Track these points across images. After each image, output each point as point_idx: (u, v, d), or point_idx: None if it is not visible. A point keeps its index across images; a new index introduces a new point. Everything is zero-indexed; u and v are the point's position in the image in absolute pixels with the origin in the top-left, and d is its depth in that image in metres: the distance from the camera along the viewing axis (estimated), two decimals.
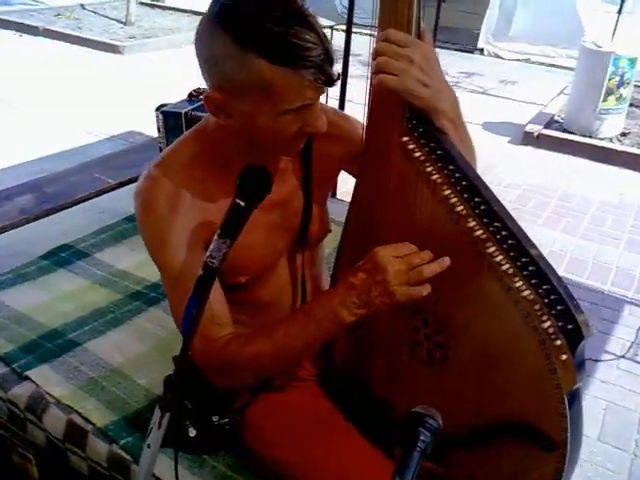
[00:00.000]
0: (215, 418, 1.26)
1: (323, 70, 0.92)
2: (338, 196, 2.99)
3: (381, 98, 1.00)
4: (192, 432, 1.27)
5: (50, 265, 1.99)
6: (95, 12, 8.58)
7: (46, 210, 2.16)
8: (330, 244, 1.44)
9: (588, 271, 3.07)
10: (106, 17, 8.32)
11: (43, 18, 7.98)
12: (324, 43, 0.92)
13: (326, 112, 1.22)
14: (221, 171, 1.08)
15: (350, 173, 1.27)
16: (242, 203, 0.95)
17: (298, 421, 1.24)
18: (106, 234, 2.19)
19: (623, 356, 2.48)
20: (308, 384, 1.32)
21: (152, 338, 1.65)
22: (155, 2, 9.21)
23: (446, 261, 0.97)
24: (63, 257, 2.04)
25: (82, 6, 8.76)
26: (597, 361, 2.43)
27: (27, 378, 1.52)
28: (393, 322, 1.06)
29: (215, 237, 0.95)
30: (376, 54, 0.95)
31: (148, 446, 1.05)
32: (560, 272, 2.79)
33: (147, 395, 1.48)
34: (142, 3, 8.97)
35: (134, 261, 2.02)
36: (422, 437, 0.85)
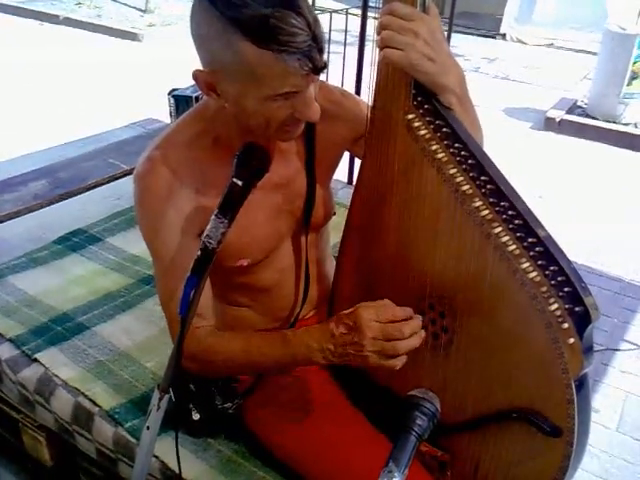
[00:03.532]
0: (218, 402, 1.26)
1: (309, 57, 0.88)
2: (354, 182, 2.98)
3: (386, 75, 0.98)
4: (196, 416, 1.28)
5: (63, 249, 2.01)
6: (115, 0, 8.60)
7: (59, 195, 2.16)
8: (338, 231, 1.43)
9: (610, 259, 3.00)
10: (125, 5, 8.33)
11: (64, 7, 8.02)
12: (312, 29, 0.88)
13: (330, 92, 1.20)
14: (221, 152, 1.07)
15: (355, 154, 1.24)
16: (239, 182, 0.94)
17: (301, 405, 1.23)
18: (118, 219, 2.20)
19: None
20: (314, 368, 1.31)
21: (161, 321, 1.62)
22: None
23: (422, 334, 0.95)
24: (76, 242, 2.05)
25: None
26: (617, 350, 2.38)
27: (36, 360, 1.53)
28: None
29: (212, 217, 0.94)
30: (380, 28, 0.91)
31: (147, 428, 1.06)
32: (581, 260, 2.74)
33: (154, 378, 1.48)
34: None
35: (145, 246, 2.01)
36: (418, 421, 0.84)
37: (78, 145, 3.80)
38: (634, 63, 4.41)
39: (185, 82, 2.58)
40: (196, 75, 0.98)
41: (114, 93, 5.18)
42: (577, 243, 3.04)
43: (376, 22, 0.94)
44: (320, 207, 1.21)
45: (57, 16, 7.51)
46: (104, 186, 2.38)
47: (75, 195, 2.21)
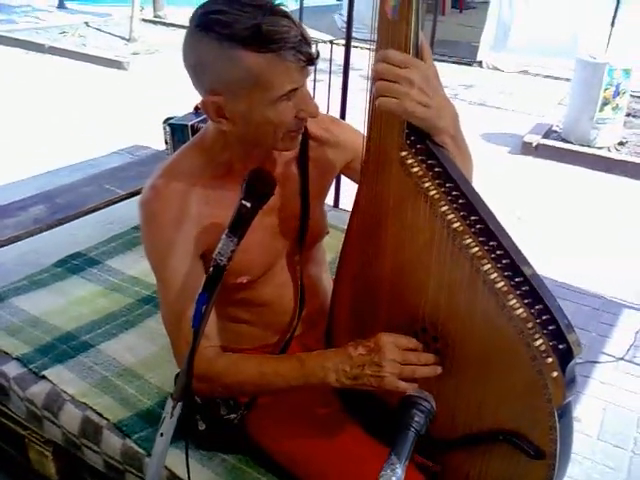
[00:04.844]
0: (224, 412, 1.32)
1: (302, 50, 0.98)
2: (341, 206, 3.07)
3: (380, 114, 1.01)
4: (202, 426, 1.34)
5: (63, 272, 2.07)
6: (99, 29, 8.74)
7: (58, 220, 2.22)
8: (334, 250, 1.51)
9: (588, 277, 3.12)
10: (110, 34, 8.47)
11: (49, 36, 8.12)
12: (298, 27, 0.99)
13: (322, 120, 1.27)
14: (220, 177, 1.15)
15: (348, 177, 1.32)
16: (248, 204, 1.02)
17: (301, 416, 1.29)
18: (116, 242, 2.26)
19: (622, 358, 2.51)
20: None
21: (163, 339, 1.69)
22: (157, 19, 9.37)
23: (438, 370, 1.03)
24: (75, 264, 2.11)
25: (86, 24, 8.94)
26: (596, 363, 2.48)
27: (44, 377, 1.58)
28: (394, 328, 1.08)
29: (223, 237, 1.01)
30: (376, 76, 0.95)
31: (161, 435, 1.12)
32: (561, 278, 2.83)
33: (159, 392, 1.54)
34: (144, 20, 9.12)
35: (144, 268, 2.08)
36: (416, 418, 0.91)
37: (67, 172, 3.88)
38: (605, 90, 4.60)
39: (170, 108, 2.68)
40: (204, 103, 1.05)
41: (101, 120, 5.26)
42: (556, 262, 3.15)
43: (362, 52, 1.01)
44: (314, 227, 1.28)
45: (42, 45, 7.60)
46: (97, 212, 2.45)
47: (73, 219, 2.28)
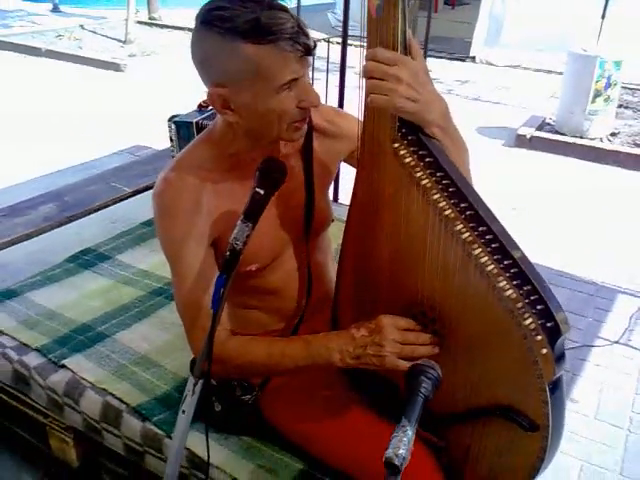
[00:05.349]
0: (239, 393, 1.38)
1: (299, 40, 1.04)
2: (340, 200, 3.14)
3: (373, 109, 1.05)
4: (218, 407, 1.40)
5: (75, 267, 2.13)
6: (95, 32, 8.78)
7: (68, 217, 2.29)
8: (337, 239, 1.57)
9: (583, 264, 3.19)
10: (105, 37, 8.52)
11: (45, 39, 8.17)
12: (295, 18, 1.05)
13: (326, 111, 1.34)
14: (230, 168, 1.21)
15: (351, 165, 1.37)
16: (261, 191, 1.09)
17: (312, 395, 1.35)
18: (125, 238, 2.33)
19: (617, 341, 2.59)
20: None
21: (176, 328, 1.77)
22: (152, 21, 9.42)
23: (436, 349, 1.08)
24: (87, 260, 2.17)
25: (82, 27, 8.98)
26: (592, 346, 2.55)
27: (63, 366, 1.65)
28: (393, 312, 1.13)
29: (238, 222, 1.08)
30: (365, 74, 0.99)
31: (183, 412, 1.19)
32: (556, 266, 2.91)
33: (174, 378, 1.61)
34: (140, 22, 9.17)
35: (154, 261, 2.15)
36: (424, 384, 0.97)
37: (71, 172, 3.94)
38: (596, 82, 4.68)
39: (170, 109, 2.73)
40: (211, 95, 1.11)
41: (100, 122, 5.31)
42: (551, 250, 3.23)
43: (356, 50, 1.05)
44: (319, 216, 1.34)
45: (39, 48, 7.65)
46: (100, 212, 2.52)
47: (82, 217, 2.34)
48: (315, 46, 1.09)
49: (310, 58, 1.10)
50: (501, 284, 0.96)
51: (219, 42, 1.05)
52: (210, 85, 1.11)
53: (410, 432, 0.91)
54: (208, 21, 1.06)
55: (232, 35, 1.03)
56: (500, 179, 4.29)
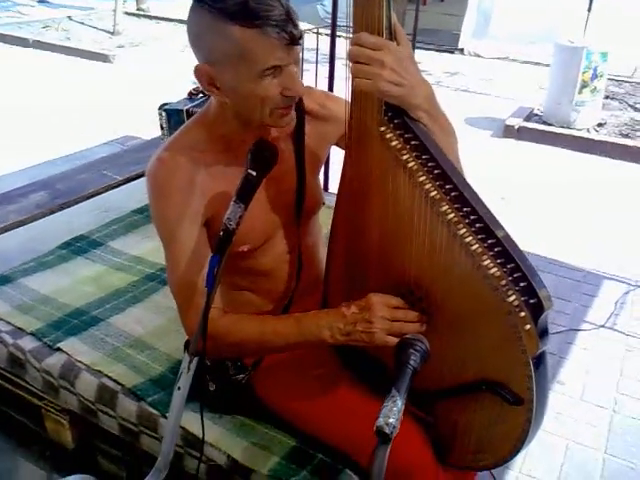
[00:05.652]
0: (232, 372, 1.41)
1: (286, 28, 1.05)
2: (330, 190, 3.17)
3: (360, 93, 1.07)
4: (212, 386, 1.43)
5: (68, 254, 2.15)
6: (82, 23, 8.72)
7: (59, 205, 2.30)
8: (326, 225, 1.60)
9: (570, 251, 3.24)
10: (94, 28, 8.46)
11: (32, 30, 8.11)
12: (285, 7, 1.06)
13: (317, 95, 1.36)
14: (222, 149, 1.23)
15: (341, 148, 1.40)
16: (254, 173, 1.11)
17: (303, 374, 1.38)
18: (117, 225, 2.34)
19: (603, 326, 2.64)
20: None
21: (169, 312, 1.80)
22: (140, 12, 9.36)
23: (423, 326, 1.11)
24: (79, 246, 2.19)
25: (69, 17, 8.91)
26: (579, 330, 2.60)
27: (58, 349, 1.67)
28: (383, 289, 1.16)
29: (231, 203, 1.10)
30: (350, 58, 1.01)
31: (178, 388, 1.21)
32: (544, 253, 2.96)
33: (169, 360, 1.64)
34: (128, 13, 9.12)
35: (146, 248, 2.17)
36: (413, 357, 1.00)
37: (61, 162, 3.94)
38: (583, 73, 4.73)
39: (157, 99, 2.74)
40: (197, 69, 1.14)
41: (89, 113, 5.29)
42: (539, 238, 3.27)
43: (344, 41, 1.04)
44: (310, 198, 1.36)
45: (26, 39, 7.59)
46: (90, 200, 2.53)
47: (74, 204, 2.36)
48: (301, 36, 1.10)
49: (298, 48, 1.11)
50: (485, 262, 0.99)
51: (208, 21, 1.07)
52: (200, 61, 1.13)
53: (400, 402, 0.94)
54: (201, 0, 1.08)
55: (221, 15, 1.05)
56: (489, 169, 4.32)
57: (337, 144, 1.41)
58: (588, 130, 4.94)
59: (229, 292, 1.38)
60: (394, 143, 1.05)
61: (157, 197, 1.22)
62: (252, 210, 1.14)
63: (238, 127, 1.21)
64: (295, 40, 1.08)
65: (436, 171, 1.03)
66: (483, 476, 1.54)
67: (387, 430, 0.88)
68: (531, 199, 3.93)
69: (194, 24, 1.12)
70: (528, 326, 0.99)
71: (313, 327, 1.16)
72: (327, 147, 1.42)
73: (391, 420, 0.89)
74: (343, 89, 1.11)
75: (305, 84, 1.22)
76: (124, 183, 2.52)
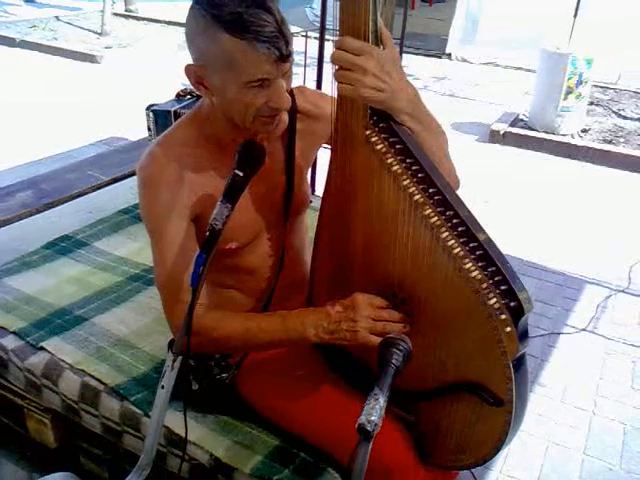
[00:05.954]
0: (216, 372, 1.41)
1: (276, 46, 1.06)
2: (317, 193, 3.18)
3: (345, 97, 1.08)
4: (195, 386, 1.43)
5: (52, 254, 2.14)
6: (70, 23, 8.68)
7: (45, 204, 2.29)
8: (312, 229, 1.61)
9: (552, 255, 3.28)
10: (81, 28, 8.42)
11: (19, 30, 8.05)
12: (279, 24, 1.07)
13: (310, 94, 1.38)
14: (212, 147, 1.24)
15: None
16: (241, 173, 1.13)
17: (287, 373, 1.39)
18: (102, 225, 2.34)
19: (584, 329, 2.68)
20: None
21: (153, 312, 1.81)
22: (128, 13, 9.34)
23: (407, 326, 1.13)
24: (64, 246, 2.18)
25: (57, 17, 8.86)
26: (561, 334, 2.64)
27: (42, 349, 1.66)
28: (367, 290, 1.17)
29: (218, 203, 1.11)
30: (333, 62, 1.02)
31: (162, 387, 1.22)
32: (526, 257, 3.00)
33: (152, 359, 1.64)
34: (116, 14, 9.09)
35: (131, 248, 2.17)
36: (395, 356, 1.02)
37: (48, 162, 3.92)
38: (568, 79, 4.78)
39: (144, 100, 2.74)
40: (187, 69, 1.16)
41: (76, 113, 5.28)
42: (522, 243, 3.31)
43: (331, 45, 1.06)
44: (298, 197, 1.37)
45: (13, 39, 7.54)
46: (75, 201, 2.52)
47: (60, 204, 2.35)
48: (290, 54, 1.11)
49: (287, 64, 1.12)
50: (467, 266, 1.01)
51: (203, 24, 1.09)
52: (192, 59, 1.16)
53: (382, 400, 0.95)
54: (200, 3, 1.10)
55: (215, 22, 1.07)
56: (473, 173, 4.34)
57: (328, 143, 1.42)
58: (572, 136, 5.00)
59: (214, 289, 1.39)
60: (379, 147, 1.08)
61: (147, 191, 1.23)
62: (241, 207, 1.15)
63: (227, 126, 1.22)
64: (284, 57, 1.09)
65: (420, 175, 1.05)
66: (464, 476, 1.56)
67: (369, 427, 0.89)
68: (514, 203, 3.97)
69: (190, 23, 1.14)
70: (508, 328, 1.01)
71: (298, 324, 1.17)
72: (318, 146, 1.43)
73: (373, 417, 0.90)
74: (331, 93, 1.12)
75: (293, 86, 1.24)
76: (110, 184, 2.52)
